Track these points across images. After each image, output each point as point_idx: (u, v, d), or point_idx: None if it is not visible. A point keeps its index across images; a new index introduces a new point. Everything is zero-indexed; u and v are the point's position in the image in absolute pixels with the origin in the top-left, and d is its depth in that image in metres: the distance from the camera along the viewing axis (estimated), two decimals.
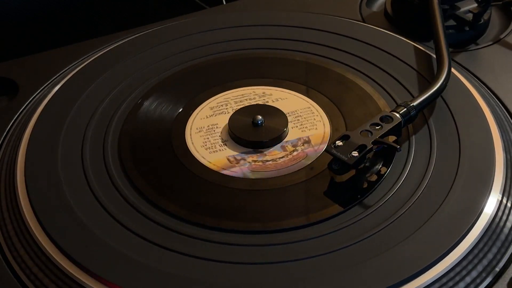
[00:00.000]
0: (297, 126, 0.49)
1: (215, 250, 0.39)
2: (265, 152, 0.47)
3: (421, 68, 0.53)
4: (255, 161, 0.46)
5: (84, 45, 0.60)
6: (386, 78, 0.53)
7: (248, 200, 0.43)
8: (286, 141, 0.48)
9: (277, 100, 0.51)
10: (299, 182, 0.44)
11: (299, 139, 0.48)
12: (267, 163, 0.46)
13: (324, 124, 0.49)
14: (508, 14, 0.62)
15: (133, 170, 0.45)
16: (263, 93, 0.52)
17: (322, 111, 0.50)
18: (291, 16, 0.60)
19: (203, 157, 0.46)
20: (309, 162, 0.45)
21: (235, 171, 0.45)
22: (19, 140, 0.48)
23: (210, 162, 0.46)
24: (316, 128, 0.49)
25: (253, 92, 0.52)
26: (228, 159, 0.46)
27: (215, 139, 0.48)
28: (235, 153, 0.47)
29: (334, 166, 0.43)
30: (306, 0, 0.65)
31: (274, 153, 0.47)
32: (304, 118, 0.50)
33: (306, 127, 0.49)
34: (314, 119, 0.49)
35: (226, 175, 0.45)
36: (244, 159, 0.46)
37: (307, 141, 0.47)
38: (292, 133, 0.48)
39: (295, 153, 0.46)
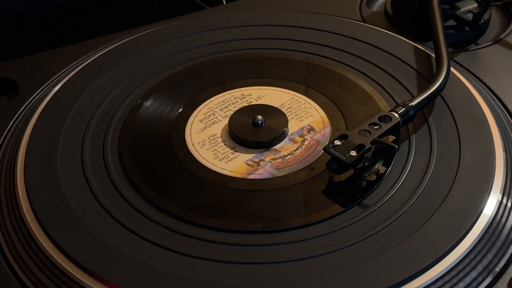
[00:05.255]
0: (293, 118, 0.49)
1: (215, 250, 0.39)
2: (277, 148, 0.47)
3: (421, 68, 0.53)
4: (273, 159, 0.46)
5: (84, 45, 0.60)
6: (386, 78, 0.53)
7: (248, 200, 0.43)
8: (291, 133, 0.48)
9: (259, 98, 0.51)
10: (299, 182, 0.44)
11: (302, 128, 0.48)
12: (286, 157, 0.46)
13: (316, 110, 0.50)
14: (508, 14, 0.62)
15: (133, 170, 0.45)
16: (242, 95, 0.52)
17: (311, 100, 0.51)
18: (291, 16, 0.60)
19: (222, 168, 0.46)
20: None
21: (261, 173, 0.45)
22: (19, 140, 0.48)
23: (232, 171, 0.45)
24: (312, 115, 0.49)
25: (232, 96, 0.52)
26: (248, 164, 0.46)
27: (222, 148, 0.47)
28: (248, 156, 0.47)
29: (332, 166, 0.43)
30: (306, 0, 0.65)
31: (287, 147, 0.47)
32: (295, 108, 0.50)
33: (302, 116, 0.49)
34: (305, 107, 0.50)
35: (226, 175, 0.45)
36: (263, 160, 0.46)
37: (311, 129, 0.48)
38: (292, 125, 0.49)
39: (306, 142, 0.47)
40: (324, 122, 0.49)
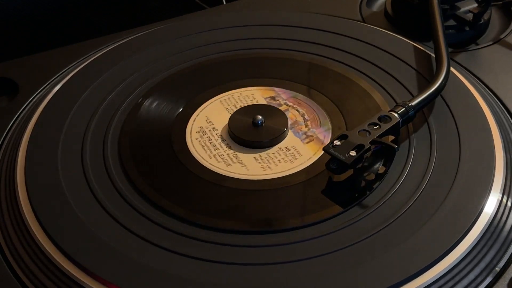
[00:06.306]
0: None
1: (214, 250, 0.39)
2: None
3: (421, 68, 0.53)
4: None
5: (84, 45, 0.60)
6: (386, 78, 0.53)
7: (247, 200, 0.43)
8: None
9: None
10: (299, 182, 0.44)
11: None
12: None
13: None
14: (508, 14, 0.62)
15: (133, 170, 0.45)
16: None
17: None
18: (291, 16, 0.60)
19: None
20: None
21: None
22: (19, 140, 0.48)
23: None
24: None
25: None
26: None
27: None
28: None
29: (331, 166, 0.43)
30: (306, 0, 0.65)
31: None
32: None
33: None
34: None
35: (226, 175, 0.45)
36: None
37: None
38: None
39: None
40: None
